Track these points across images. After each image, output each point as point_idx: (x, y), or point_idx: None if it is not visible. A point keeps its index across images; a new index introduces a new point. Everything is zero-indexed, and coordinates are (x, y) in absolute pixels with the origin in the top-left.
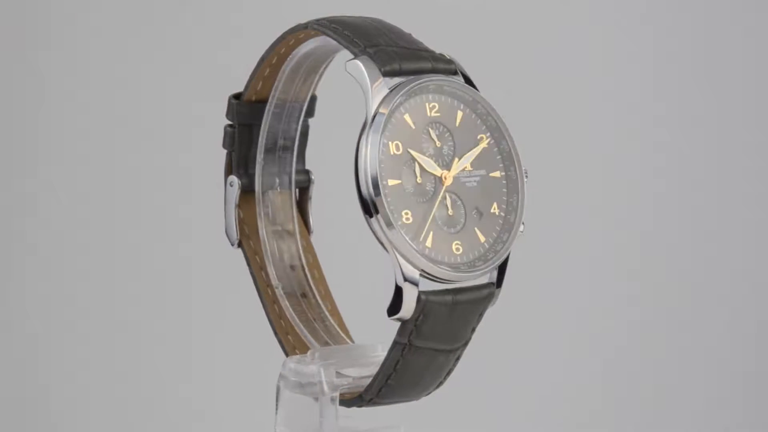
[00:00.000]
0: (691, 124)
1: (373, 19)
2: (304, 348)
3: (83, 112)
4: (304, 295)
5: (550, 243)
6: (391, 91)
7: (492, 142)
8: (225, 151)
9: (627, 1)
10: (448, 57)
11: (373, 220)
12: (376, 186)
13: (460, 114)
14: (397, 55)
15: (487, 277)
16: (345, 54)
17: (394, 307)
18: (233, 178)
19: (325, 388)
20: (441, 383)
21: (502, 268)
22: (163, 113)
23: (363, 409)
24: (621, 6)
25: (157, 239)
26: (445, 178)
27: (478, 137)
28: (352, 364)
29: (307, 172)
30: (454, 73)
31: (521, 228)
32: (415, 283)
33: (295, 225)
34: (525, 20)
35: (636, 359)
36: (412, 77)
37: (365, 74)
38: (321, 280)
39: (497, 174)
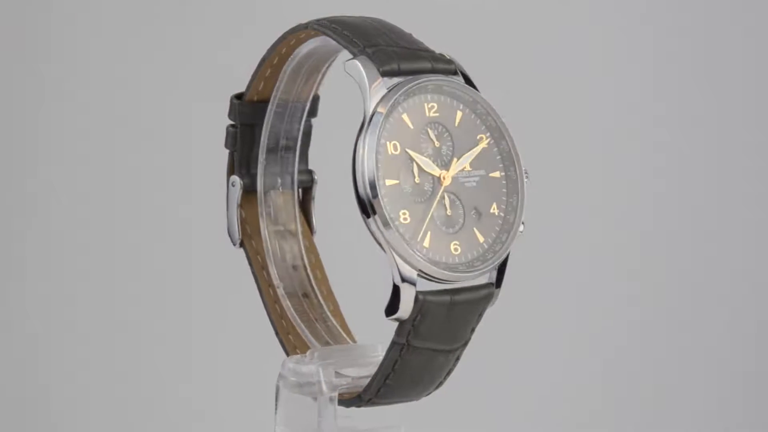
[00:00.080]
0: (691, 124)
1: (374, 19)
2: (305, 348)
3: (83, 112)
4: (305, 295)
5: (550, 243)
6: (389, 91)
7: (492, 142)
8: (226, 151)
9: (627, 1)
10: (448, 57)
11: (370, 220)
12: (373, 186)
13: (459, 114)
14: (396, 55)
15: (487, 277)
16: (347, 54)
17: (392, 307)
18: (235, 178)
19: (324, 387)
20: (441, 383)
21: (501, 269)
22: (163, 113)
23: (363, 409)
24: (621, 6)
25: (157, 239)
26: (444, 178)
27: (478, 137)
28: (351, 364)
29: (310, 172)
30: (454, 73)
31: (521, 228)
32: (413, 283)
33: (298, 225)
34: (525, 20)
35: (636, 359)
36: (411, 77)
37: (363, 74)
38: (323, 281)
39: (497, 174)
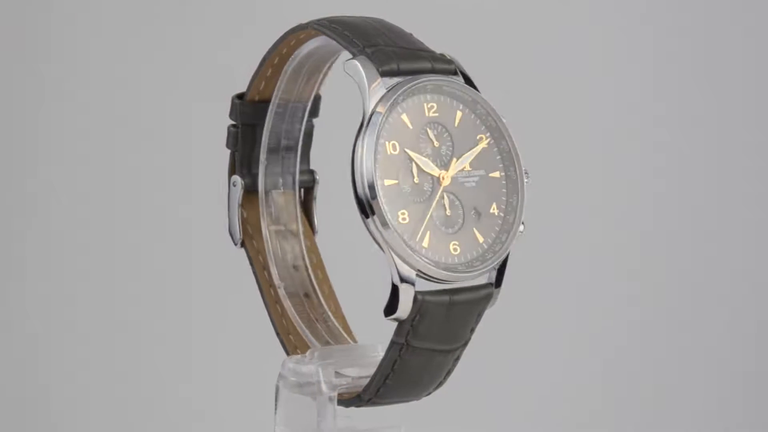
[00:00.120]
0: (691, 124)
1: (374, 19)
2: (305, 348)
3: (83, 112)
4: (306, 295)
5: (550, 243)
6: (388, 91)
7: (492, 142)
8: (226, 151)
9: (627, 1)
10: (449, 57)
11: (369, 220)
12: (371, 187)
13: (459, 114)
14: (395, 55)
15: (486, 277)
16: (348, 54)
17: (391, 307)
18: (236, 178)
19: (323, 387)
20: (441, 383)
21: (501, 269)
22: (163, 113)
23: (362, 409)
24: (621, 6)
25: (157, 239)
26: (443, 178)
27: (478, 137)
28: (351, 364)
29: (312, 173)
30: (454, 73)
31: (521, 228)
32: (412, 283)
33: (299, 225)
34: (525, 20)
35: (636, 359)
36: (410, 77)
37: (363, 74)
38: (325, 281)
39: (497, 174)
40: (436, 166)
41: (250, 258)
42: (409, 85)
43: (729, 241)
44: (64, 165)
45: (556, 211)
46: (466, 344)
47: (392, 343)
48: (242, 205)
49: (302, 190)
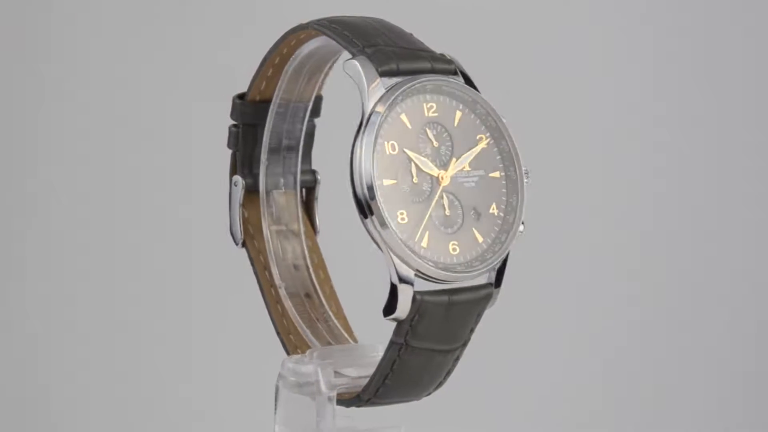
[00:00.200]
0: (691, 124)
1: (374, 19)
2: (306, 348)
3: (83, 112)
4: (308, 296)
5: (550, 243)
6: (387, 91)
7: (491, 142)
8: (226, 151)
9: (627, 1)
10: (449, 57)
11: (367, 220)
12: (370, 186)
13: (458, 114)
14: (395, 55)
15: (486, 277)
16: (348, 54)
17: (390, 307)
18: (237, 178)
19: (322, 387)
20: (441, 383)
21: (501, 269)
22: (163, 113)
23: (363, 409)
24: (621, 6)
25: (157, 239)
26: (442, 178)
27: (477, 137)
28: (350, 364)
29: (314, 173)
30: (454, 73)
31: (521, 228)
32: (410, 283)
33: (300, 225)
34: (525, 20)
35: (636, 359)
36: (410, 77)
37: (362, 74)
38: (326, 281)
39: (497, 174)
40: (436, 166)
41: (251, 258)
42: (408, 85)
43: (729, 241)
44: (64, 165)
45: (556, 211)
46: (465, 344)
47: (391, 343)
48: (243, 205)
49: (304, 190)
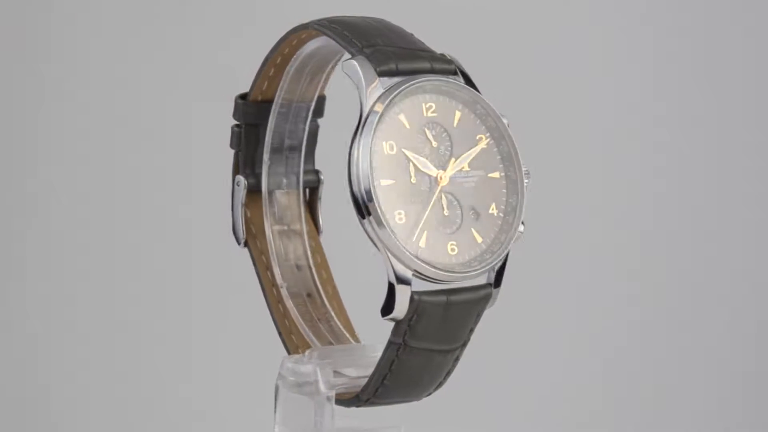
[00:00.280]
0: (691, 124)
1: (375, 19)
2: (307, 348)
3: (83, 112)
4: (309, 296)
5: (550, 243)
6: (386, 91)
7: (491, 142)
8: (228, 151)
9: (627, 1)
10: (449, 57)
11: (365, 220)
12: (368, 187)
13: (458, 114)
14: (394, 55)
15: (485, 277)
16: (348, 55)
17: (387, 307)
18: (240, 178)
19: (321, 387)
20: (441, 384)
21: (500, 269)
22: (163, 113)
23: (362, 409)
24: (621, 6)
25: (158, 239)
26: (441, 178)
27: (477, 137)
28: (350, 364)
29: (317, 172)
30: (454, 73)
31: (521, 228)
32: (408, 283)
33: (303, 225)
34: (525, 20)
35: (636, 359)
36: (409, 77)
37: (360, 74)
38: (329, 281)
39: (496, 174)
40: (434, 166)
41: (253, 258)
42: (407, 85)
43: (729, 241)
44: (64, 165)
45: (556, 211)
46: (465, 344)
47: (389, 343)
48: (246, 205)
49: (307, 190)
